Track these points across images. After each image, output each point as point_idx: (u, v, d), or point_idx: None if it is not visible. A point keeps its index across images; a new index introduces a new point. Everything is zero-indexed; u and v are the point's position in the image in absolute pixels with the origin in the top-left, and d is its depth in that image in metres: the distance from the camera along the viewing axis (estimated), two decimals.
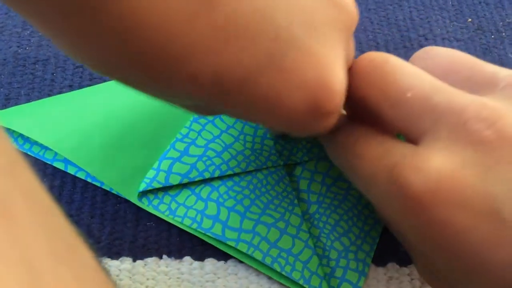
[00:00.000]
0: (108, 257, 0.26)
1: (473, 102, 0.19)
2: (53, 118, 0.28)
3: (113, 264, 0.26)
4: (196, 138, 0.28)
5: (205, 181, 0.27)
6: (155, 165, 0.27)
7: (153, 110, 0.29)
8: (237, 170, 0.27)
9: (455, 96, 0.20)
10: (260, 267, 0.26)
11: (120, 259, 0.26)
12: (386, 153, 0.21)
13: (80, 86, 0.32)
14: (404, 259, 0.27)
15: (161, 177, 0.27)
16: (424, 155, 0.19)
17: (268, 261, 0.25)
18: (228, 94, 0.18)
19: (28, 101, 0.31)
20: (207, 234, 0.26)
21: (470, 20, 0.37)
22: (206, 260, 0.26)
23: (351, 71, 0.22)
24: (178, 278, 0.26)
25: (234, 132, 0.29)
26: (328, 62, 0.19)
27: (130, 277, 0.26)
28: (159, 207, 0.26)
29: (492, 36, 0.36)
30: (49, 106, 0.29)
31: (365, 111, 0.22)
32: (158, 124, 0.28)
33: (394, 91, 0.20)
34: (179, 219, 0.26)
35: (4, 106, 0.31)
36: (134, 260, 0.26)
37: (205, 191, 0.27)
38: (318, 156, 0.29)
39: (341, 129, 0.23)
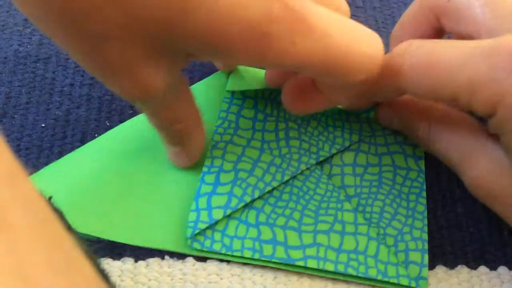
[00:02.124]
0: (110, 257, 0.26)
1: None
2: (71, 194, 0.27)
3: (115, 265, 0.26)
4: (222, 164, 0.27)
5: (247, 205, 0.26)
6: (193, 207, 0.26)
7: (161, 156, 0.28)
8: (275, 184, 0.27)
9: None
10: (335, 275, 0.25)
11: (122, 259, 0.26)
12: (477, 43, 0.23)
13: (81, 85, 0.32)
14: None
15: (204, 216, 0.26)
16: None
17: (341, 268, 0.25)
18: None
19: (29, 99, 0.31)
20: (272, 261, 0.25)
21: None
22: (208, 261, 0.26)
23: None
24: (180, 279, 0.25)
25: (256, 144, 0.28)
26: None
27: (132, 278, 0.25)
28: (213, 247, 0.25)
29: None
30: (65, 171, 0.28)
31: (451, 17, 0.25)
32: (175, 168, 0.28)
33: None
34: (239, 253, 0.25)
35: (5, 104, 0.31)
36: (136, 261, 0.26)
37: (251, 216, 0.26)
38: (343, 145, 0.29)
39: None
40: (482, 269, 0.26)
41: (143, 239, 0.26)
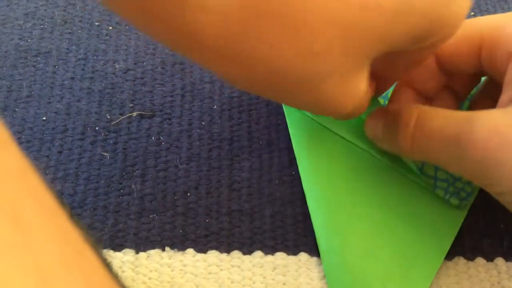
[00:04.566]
0: (111, 249, 0.26)
1: None
2: None
3: (116, 256, 0.26)
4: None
5: None
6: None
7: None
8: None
9: None
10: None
11: (123, 251, 0.26)
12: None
13: (82, 78, 0.32)
14: None
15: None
16: None
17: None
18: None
19: (30, 93, 0.31)
20: None
21: (473, 13, 0.37)
22: (209, 252, 0.26)
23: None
24: (181, 270, 0.26)
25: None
26: None
27: (133, 269, 0.26)
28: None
29: None
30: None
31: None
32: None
33: None
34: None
35: (6, 98, 0.31)
36: (137, 252, 0.26)
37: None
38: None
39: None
40: (479, 260, 0.27)
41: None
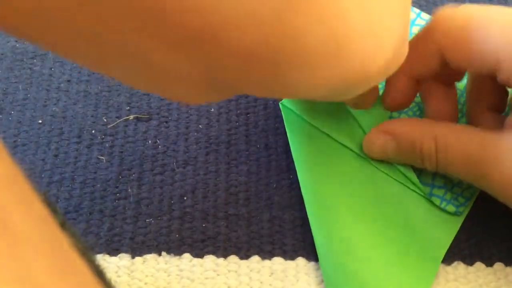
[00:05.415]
0: (107, 253, 0.26)
1: None
2: None
3: (112, 261, 0.26)
4: None
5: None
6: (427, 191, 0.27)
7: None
8: None
9: None
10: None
11: (119, 255, 0.26)
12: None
13: (79, 81, 0.32)
14: None
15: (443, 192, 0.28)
16: None
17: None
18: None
19: (26, 95, 0.31)
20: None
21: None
22: (205, 257, 0.26)
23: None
24: (177, 275, 0.26)
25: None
26: None
27: (129, 274, 0.25)
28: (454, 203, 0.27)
29: None
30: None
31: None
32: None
33: None
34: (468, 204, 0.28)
35: (2, 100, 0.31)
36: (133, 257, 0.26)
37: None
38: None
39: None
40: (479, 265, 0.26)
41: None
